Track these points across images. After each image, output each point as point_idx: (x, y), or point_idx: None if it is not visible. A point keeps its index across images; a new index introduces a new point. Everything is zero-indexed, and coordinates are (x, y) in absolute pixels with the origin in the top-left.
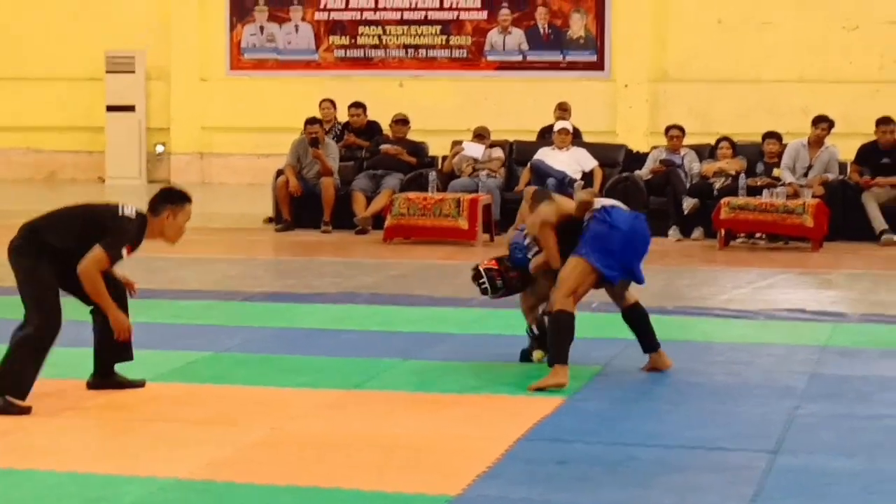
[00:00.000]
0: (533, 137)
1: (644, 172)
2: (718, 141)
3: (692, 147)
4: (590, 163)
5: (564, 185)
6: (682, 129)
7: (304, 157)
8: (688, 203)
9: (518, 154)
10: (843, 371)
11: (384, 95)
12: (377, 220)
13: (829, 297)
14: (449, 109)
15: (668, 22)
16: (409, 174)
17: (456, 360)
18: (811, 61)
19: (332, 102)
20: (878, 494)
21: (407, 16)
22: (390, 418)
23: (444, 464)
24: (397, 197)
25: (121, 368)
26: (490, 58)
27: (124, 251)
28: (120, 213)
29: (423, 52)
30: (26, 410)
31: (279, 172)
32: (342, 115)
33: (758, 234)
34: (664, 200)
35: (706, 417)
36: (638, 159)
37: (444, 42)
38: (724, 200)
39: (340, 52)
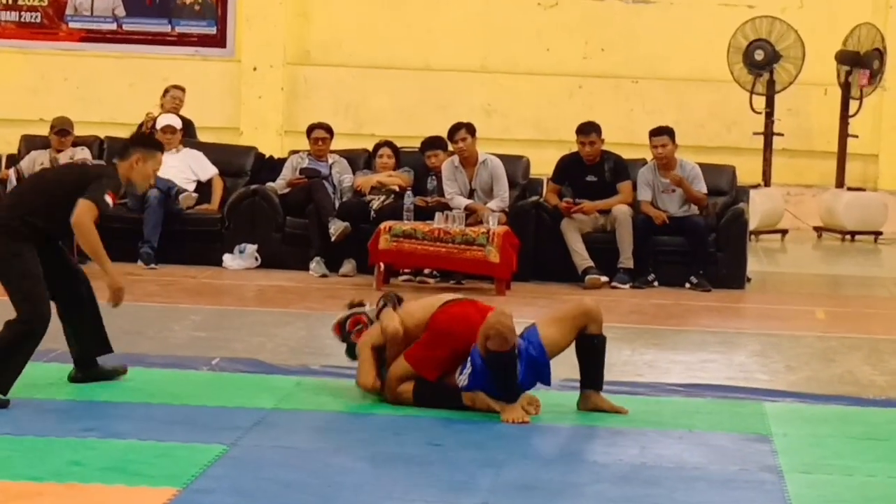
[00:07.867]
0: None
1: (279, 185)
2: (378, 146)
3: (343, 153)
4: (208, 170)
5: (171, 196)
6: (329, 130)
7: None
8: (336, 227)
9: (111, 155)
10: None
11: None
12: None
13: None
14: (17, 91)
15: None
16: None
17: (30, 436)
18: (496, 46)
19: None
20: None
21: None
22: None
23: None
24: None
25: None
26: (73, 25)
27: (108, 198)
28: (90, 164)
29: None
30: (4, 404)
31: None
32: None
33: (427, 271)
34: (305, 223)
35: None
36: (272, 167)
37: (10, 3)
38: (383, 225)
39: None
